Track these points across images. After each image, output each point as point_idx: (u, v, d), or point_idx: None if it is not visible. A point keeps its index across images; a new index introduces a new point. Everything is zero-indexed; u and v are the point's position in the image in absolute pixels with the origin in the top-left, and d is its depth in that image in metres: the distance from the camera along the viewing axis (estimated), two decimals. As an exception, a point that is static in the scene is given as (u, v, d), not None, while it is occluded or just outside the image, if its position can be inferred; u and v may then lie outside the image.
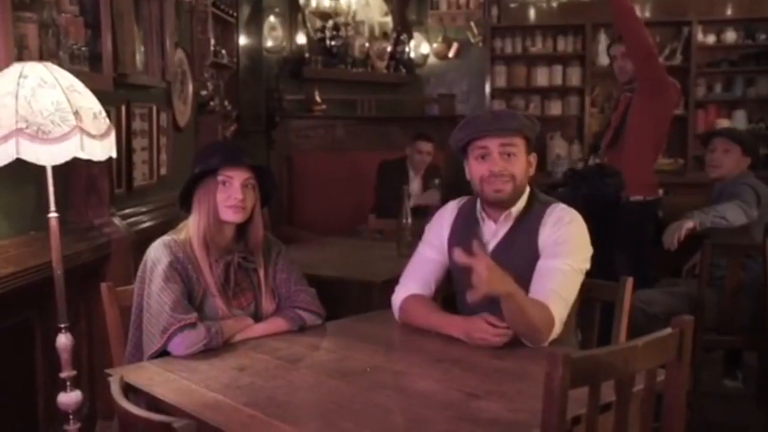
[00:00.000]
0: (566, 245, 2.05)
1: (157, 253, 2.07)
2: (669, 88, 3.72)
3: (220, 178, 2.09)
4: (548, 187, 3.91)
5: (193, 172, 2.12)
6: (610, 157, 3.81)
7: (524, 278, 2.02)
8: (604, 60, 6.05)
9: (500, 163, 2.10)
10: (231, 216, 2.11)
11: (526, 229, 2.13)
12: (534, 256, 2.08)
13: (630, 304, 2.23)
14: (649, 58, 3.63)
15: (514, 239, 2.13)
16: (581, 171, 3.83)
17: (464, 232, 2.21)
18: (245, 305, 2.16)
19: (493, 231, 2.17)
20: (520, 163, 2.12)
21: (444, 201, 4.62)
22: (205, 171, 2.10)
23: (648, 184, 3.78)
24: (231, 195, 2.09)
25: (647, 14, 6.48)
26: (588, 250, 2.10)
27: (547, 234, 2.08)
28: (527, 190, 2.19)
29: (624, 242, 3.49)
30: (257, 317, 2.17)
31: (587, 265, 2.09)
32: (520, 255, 2.09)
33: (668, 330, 1.54)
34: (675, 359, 1.55)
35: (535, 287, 2.02)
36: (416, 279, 2.26)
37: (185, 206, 2.17)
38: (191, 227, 2.13)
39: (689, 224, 3.21)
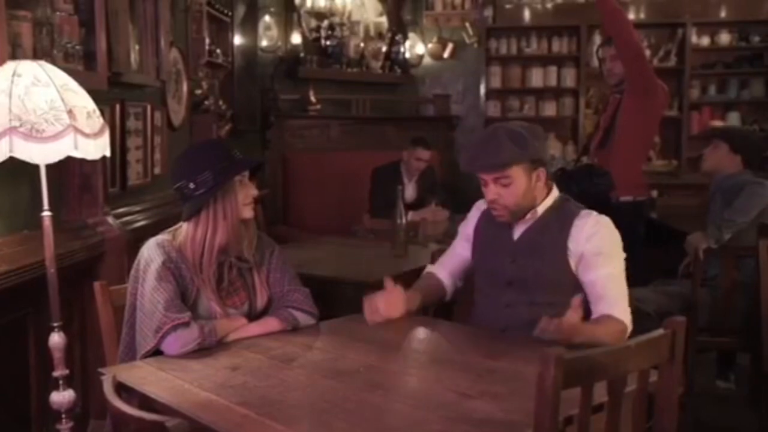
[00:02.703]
0: (608, 252, 2.12)
1: (150, 252, 2.07)
2: (657, 89, 3.74)
3: (238, 178, 2.10)
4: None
5: (196, 178, 2.05)
6: (600, 158, 3.83)
7: (546, 271, 2.14)
8: (598, 61, 6.07)
9: (494, 192, 2.16)
10: (250, 213, 2.15)
11: (555, 227, 2.17)
12: (560, 255, 2.14)
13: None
14: (638, 59, 3.65)
15: (541, 234, 2.19)
16: (571, 170, 3.85)
17: (490, 226, 2.29)
18: (239, 305, 2.16)
19: (519, 225, 2.24)
20: (517, 190, 2.14)
21: (443, 203, 4.66)
22: (233, 174, 2.09)
23: (637, 185, 3.80)
24: (248, 193, 2.12)
25: (642, 16, 6.51)
26: (621, 250, 2.17)
27: (583, 242, 2.12)
28: (555, 193, 2.23)
29: None
30: (251, 317, 2.17)
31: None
32: (546, 251, 2.16)
33: (660, 331, 1.55)
34: (667, 360, 1.56)
35: (598, 298, 2.09)
36: (443, 265, 2.45)
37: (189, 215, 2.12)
38: (201, 232, 2.08)
39: (704, 245, 3.23)
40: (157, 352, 1.97)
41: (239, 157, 2.13)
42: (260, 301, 2.20)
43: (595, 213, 2.19)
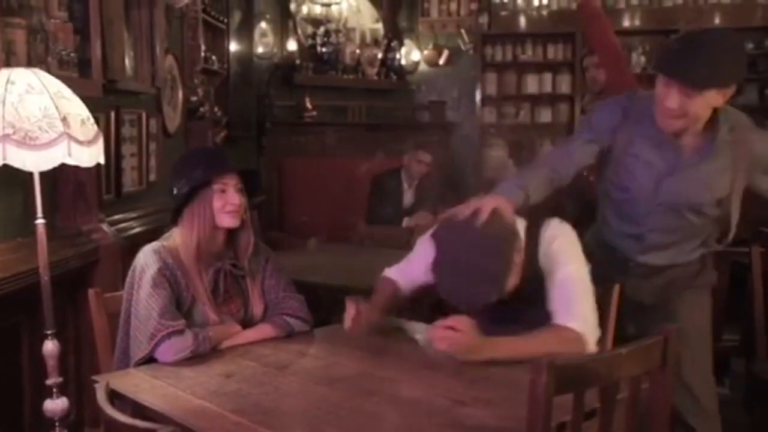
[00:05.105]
0: (561, 256, 2.01)
1: (146, 259, 2.07)
2: None
3: (216, 186, 2.09)
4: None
5: (177, 184, 2.10)
6: None
7: (535, 297, 2.01)
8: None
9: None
10: (230, 221, 2.12)
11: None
12: (540, 275, 2.04)
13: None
14: (618, 63, 3.68)
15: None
16: None
17: None
18: (234, 312, 2.17)
19: None
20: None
21: (434, 210, 4.64)
22: (203, 181, 2.08)
23: None
24: (228, 201, 2.10)
25: (636, 22, 6.54)
26: (581, 255, 2.06)
27: (543, 254, 2.04)
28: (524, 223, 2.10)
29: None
30: (246, 324, 2.17)
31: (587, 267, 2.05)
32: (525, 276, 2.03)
33: (653, 338, 1.55)
34: (659, 367, 1.56)
35: (552, 305, 1.98)
36: (402, 271, 2.29)
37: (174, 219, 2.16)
38: (182, 238, 2.11)
39: None
40: (151, 359, 1.96)
41: (222, 164, 2.13)
42: (256, 309, 2.20)
43: (554, 222, 2.06)
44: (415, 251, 2.28)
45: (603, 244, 2.36)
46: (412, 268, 2.26)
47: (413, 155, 4.77)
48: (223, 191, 2.09)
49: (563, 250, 2.03)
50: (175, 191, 2.11)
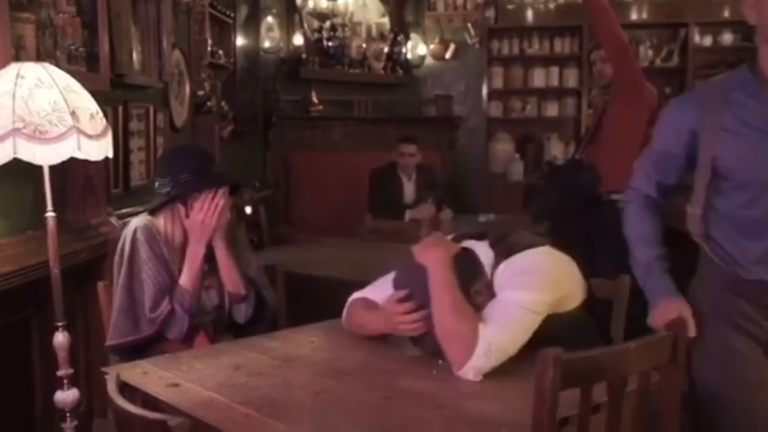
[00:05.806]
0: (521, 279, 1.84)
1: (141, 234, 2.18)
2: (644, 90, 3.74)
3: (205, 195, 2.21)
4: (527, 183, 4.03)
5: (162, 182, 2.22)
6: (588, 154, 3.86)
7: None
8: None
9: None
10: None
11: None
12: None
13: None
14: (625, 57, 3.66)
15: None
16: (558, 165, 3.90)
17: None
18: (213, 285, 2.28)
19: None
20: None
21: (439, 201, 4.65)
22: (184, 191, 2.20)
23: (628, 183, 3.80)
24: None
25: (644, 16, 6.51)
26: (553, 293, 1.84)
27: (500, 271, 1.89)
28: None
29: (608, 242, 3.49)
30: (221, 308, 2.28)
31: (547, 309, 1.81)
32: None
33: (662, 332, 1.56)
34: (669, 362, 1.56)
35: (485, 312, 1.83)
36: (376, 290, 2.12)
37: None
38: (169, 234, 2.23)
39: None
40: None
41: (208, 174, 2.23)
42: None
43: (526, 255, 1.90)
44: (382, 280, 2.11)
45: (728, 284, 1.88)
46: (378, 294, 2.08)
47: (396, 150, 4.79)
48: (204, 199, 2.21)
49: (527, 276, 1.84)
50: (156, 184, 2.23)
